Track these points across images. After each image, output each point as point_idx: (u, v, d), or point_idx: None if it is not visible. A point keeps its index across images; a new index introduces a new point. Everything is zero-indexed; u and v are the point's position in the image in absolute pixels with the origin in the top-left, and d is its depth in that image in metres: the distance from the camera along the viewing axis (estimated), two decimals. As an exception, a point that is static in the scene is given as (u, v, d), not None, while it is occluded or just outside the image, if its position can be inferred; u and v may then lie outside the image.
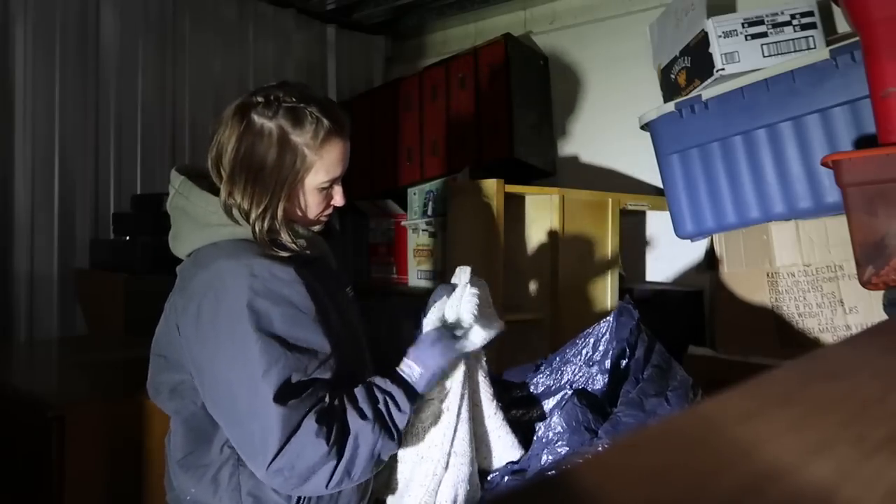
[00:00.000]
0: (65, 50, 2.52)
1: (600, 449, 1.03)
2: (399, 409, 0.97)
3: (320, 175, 1.04)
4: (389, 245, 2.86)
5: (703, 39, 1.94)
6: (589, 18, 2.78)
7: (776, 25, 1.89)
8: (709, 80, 1.93)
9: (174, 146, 2.86)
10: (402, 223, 2.71)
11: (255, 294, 0.94)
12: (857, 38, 1.61)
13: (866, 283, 1.54)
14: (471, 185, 2.20)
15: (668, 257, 2.53)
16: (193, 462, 1.02)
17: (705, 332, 2.30)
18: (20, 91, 2.42)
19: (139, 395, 1.47)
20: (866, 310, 1.76)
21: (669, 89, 2.15)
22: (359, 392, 0.97)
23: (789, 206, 1.85)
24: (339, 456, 0.93)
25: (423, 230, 2.55)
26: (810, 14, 1.88)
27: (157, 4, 2.80)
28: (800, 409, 0.41)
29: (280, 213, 1.03)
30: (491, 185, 1.99)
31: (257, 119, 1.00)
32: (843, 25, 1.99)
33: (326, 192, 1.08)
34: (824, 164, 1.59)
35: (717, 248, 2.06)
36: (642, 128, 2.16)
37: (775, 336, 1.88)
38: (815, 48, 1.85)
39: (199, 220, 1.03)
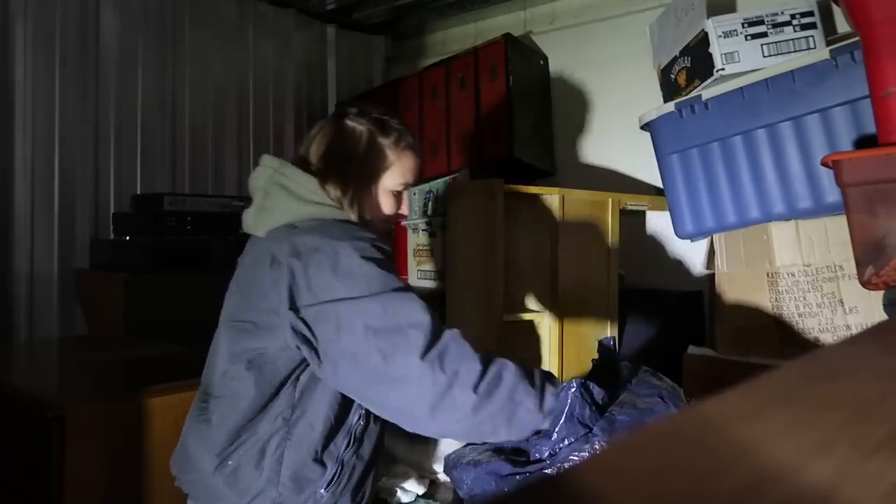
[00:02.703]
0: (65, 50, 2.52)
1: (597, 447, 1.03)
2: (553, 389, 1.05)
3: (396, 177, 1.20)
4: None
5: (703, 39, 1.93)
6: (589, 18, 2.78)
7: (776, 25, 1.89)
8: (709, 80, 1.93)
9: (174, 146, 2.86)
10: (402, 223, 2.71)
11: (368, 249, 1.04)
12: (857, 38, 1.61)
13: (866, 283, 1.54)
14: (471, 185, 2.19)
15: (668, 257, 2.53)
16: (244, 431, 1.07)
17: (705, 332, 2.29)
18: (20, 91, 2.42)
19: (139, 395, 1.47)
20: (866, 310, 1.76)
21: (669, 89, 2.15)
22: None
23: (789, 206, 1.84)
24: (485, 366, 0.98)
25: (423, 230, 2.55)
26: (810, 14, 1.88)
27: (157, 4, 2.80)
28: (800, 408, 0.41)
29: (365, 204, 1.15)
30: (491, 185, 1.99)
31: (350, 122, 1.19)
32: (843, 25, 1.99)
33: (396, 197, 1.22)
34: (824, 164, 1.59)
35: (717, 248, 2.06)
36: (642, 128, 2.16)
37: (775, 336, 1.88)
38: (815, 48, 1.85)
39: (301, 196, 1.12)
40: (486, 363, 0.99)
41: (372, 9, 3.24)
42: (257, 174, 1.19)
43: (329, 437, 1.08)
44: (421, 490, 1.49)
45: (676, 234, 2.09)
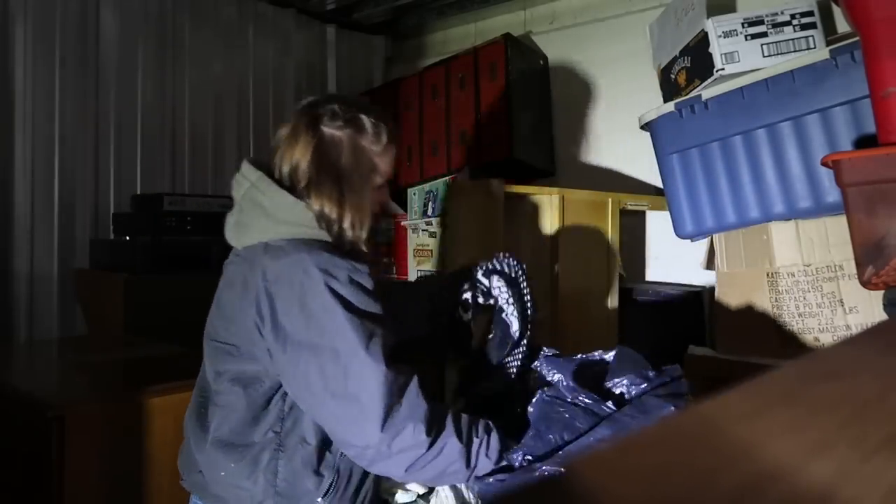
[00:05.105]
0: (65, 50, 2.52)
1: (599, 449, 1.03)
2: (487, 456, 1.05)
3: (379, 175, 1.16)
4: (389, 245, 2.86)
5: (702, 39, 1.94)
6: (589, 18, 2.79)
7: (776, 25, 1.89)
8: (709, 80, 1.93)
9: (174, 146, 2.87)
10: (402, 223, 2.71)
11: (339, 283, 1.02)
12: (857, 38, 1.61)
13: (866, 283, 1.54)
14: (471, 185, 2.19)
15: (668, 257, 2.53)
16: (237, 441, 1.07)
17: (705, 332, 2.30)
18: (20, 91, 2.42)
19: (139, 395, 1.47)
20: (866, 310, 1.76)
21: (669, 89, 2.15)
22: (465, 418, 1.05)
23: (789, 206, 1.85)
24: (428, 448, 1.00)
25: (423, 230, 2.55)
26: (810, 14, 1.88)
27: (156, 4, 2.80)
28: (800, 409, 0.41)
29: (357, 215, 1.10)
30: (491, 185, 1.99)
31: (327, 131, 1.11)
32: (843, 25, 1.99)
33: (381, 191, 1.19)
34: (824, 164, 1.59)
35: (716, 248, 2.06)
36: (642, 128, 2.16)
37: (775, 336, 1.88)
38: (815, 48, 1.85)
39: (275, 216, 1.08)
40: (432, 439, 1.00)
41: (372, 9, 3.24)
42: (237, 184, 1.14)
43: (323, 447, 1.08)
44: (421, 490, 1.49)
45: (676, 234, 2.09)
